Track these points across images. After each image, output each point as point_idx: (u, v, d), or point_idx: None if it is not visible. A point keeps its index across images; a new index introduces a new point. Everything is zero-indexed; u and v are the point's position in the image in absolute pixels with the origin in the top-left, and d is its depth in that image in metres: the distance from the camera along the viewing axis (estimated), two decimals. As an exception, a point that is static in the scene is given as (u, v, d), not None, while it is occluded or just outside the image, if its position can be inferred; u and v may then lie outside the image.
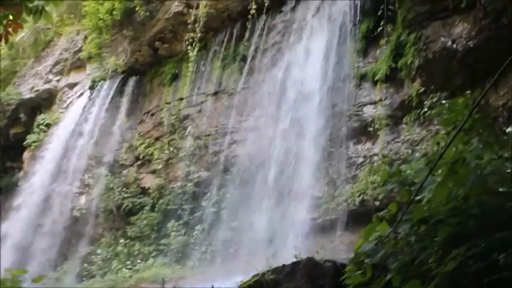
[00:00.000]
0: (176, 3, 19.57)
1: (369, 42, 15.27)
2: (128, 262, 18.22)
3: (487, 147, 4.07)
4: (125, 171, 20.36)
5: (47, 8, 5.49)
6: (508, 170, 3.95)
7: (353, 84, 15.16)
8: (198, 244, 16.87)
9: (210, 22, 18.92)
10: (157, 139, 19.84)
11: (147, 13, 19.92)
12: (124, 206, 19.49)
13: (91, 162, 21.09)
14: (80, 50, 23.13)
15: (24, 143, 22.99)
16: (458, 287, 3.28)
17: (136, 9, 19.96)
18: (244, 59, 18.19)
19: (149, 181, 19.55)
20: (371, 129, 14.59)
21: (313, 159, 14.93)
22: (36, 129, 23.13)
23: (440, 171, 3.85)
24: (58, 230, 20.32)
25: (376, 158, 14.42)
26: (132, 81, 21.40)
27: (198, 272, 15.61)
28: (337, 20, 15.99)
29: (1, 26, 5.46)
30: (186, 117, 19.19)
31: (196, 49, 18.93)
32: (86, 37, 22.93)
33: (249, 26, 17.96)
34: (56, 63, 23.97)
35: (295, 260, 8.31)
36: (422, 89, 12.59)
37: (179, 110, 19.40)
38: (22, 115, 24.07)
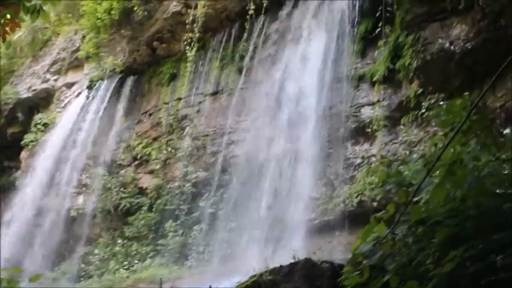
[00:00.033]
0: (174, 3, 19.53)
1: (367, 43, 15.25)
2: (126, 262, 18.19)
3: (485, 149, 4.08)
4: (122, 171, 20.32)
5: (44, 7, 5.49)
6: (506, 171, 3.96)
7: (351, 85, 15.17)
8: (195, 244, 16.87)
9: (209, 22, 18.91)
10: (155, 139, 19.81)
11: (145, 13, 19.89)
12: (122, 206, 19.45)
13: (89, 162, 21.06)
14: (77, 50, 23.07)
15: (22, 142, 22.97)
16: (456, 288, 3.28)
17: (135, 9, 19.93)
18: (242, 59, 18.18)
19: (147, 181, 19.52)
20: (369, 130, 14.58)
21: (311, 160, 14.94)
22: (33, 129, 23.10)
23: (438, 172, 3.85)
24: (55, 230, 20.29)
25: (374, 159, 14.41)
26: (130, 81, 21.33)
27: (196, 272, 15.59)
28: (336, 21, 15.99)
29: (-1, 25, 5.46)
30: (184, 117, 19.16)
31: (194, 49, 18.90)
32: (83, 36, 22.88)
33: (247, 27, 17.94)
34: (54, 63, 23.92)
35: (292, 260, 8.31)
36: (420, 91, 12.59)
37: (177, 110, 19.37)
38: (19, 114, 24.00)
